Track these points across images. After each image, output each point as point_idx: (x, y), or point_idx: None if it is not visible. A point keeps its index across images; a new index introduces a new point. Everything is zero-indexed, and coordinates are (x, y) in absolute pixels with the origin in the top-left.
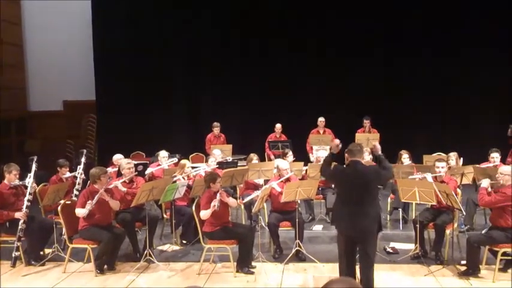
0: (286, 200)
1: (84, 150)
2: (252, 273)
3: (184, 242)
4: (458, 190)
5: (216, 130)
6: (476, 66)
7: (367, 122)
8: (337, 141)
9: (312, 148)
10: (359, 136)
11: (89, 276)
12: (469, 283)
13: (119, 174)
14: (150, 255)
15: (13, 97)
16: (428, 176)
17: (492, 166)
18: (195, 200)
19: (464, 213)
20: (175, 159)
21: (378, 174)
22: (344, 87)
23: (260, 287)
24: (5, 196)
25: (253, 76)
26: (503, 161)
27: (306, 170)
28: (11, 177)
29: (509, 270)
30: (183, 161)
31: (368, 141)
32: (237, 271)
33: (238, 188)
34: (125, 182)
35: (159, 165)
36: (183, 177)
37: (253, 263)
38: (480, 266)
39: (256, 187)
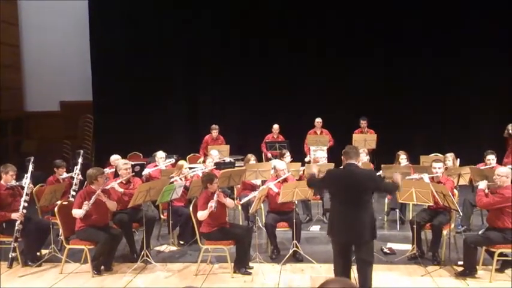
0: (283, 201)
1: (81, 151)
2: (249, 273)
3: (181, 242)
4: (455, 191)
5: (215, 132)
6: (476, 66)
7: (363, 123)
8: (315, 169)
9: (310, 149)
10: (356, 137)
11: (85, 277)
12: (466, 283)
13: (116, 174)
14: (147, 255)
15: (10, 97)
16: (426, 177)
17: (488, 168)
18: (192, 200)
19: (461, 214)
20: (172, 160)
21: (372, 178)
22: (344, 87)
23: (257, 287)
24: (1, 197)
25: (253, 76)
26: (500, 162)
27: (304, 171)
28: (8, 178)
29: (506, 271)
30: (181, 162)
31: (365, 142)
32: (234, 272)
33: (235, 189)
34: (122, 182)
35: (156, 166)
36: (181, 178)
37: (250, 264)
38: (477, 267)
39: (254, 188)
